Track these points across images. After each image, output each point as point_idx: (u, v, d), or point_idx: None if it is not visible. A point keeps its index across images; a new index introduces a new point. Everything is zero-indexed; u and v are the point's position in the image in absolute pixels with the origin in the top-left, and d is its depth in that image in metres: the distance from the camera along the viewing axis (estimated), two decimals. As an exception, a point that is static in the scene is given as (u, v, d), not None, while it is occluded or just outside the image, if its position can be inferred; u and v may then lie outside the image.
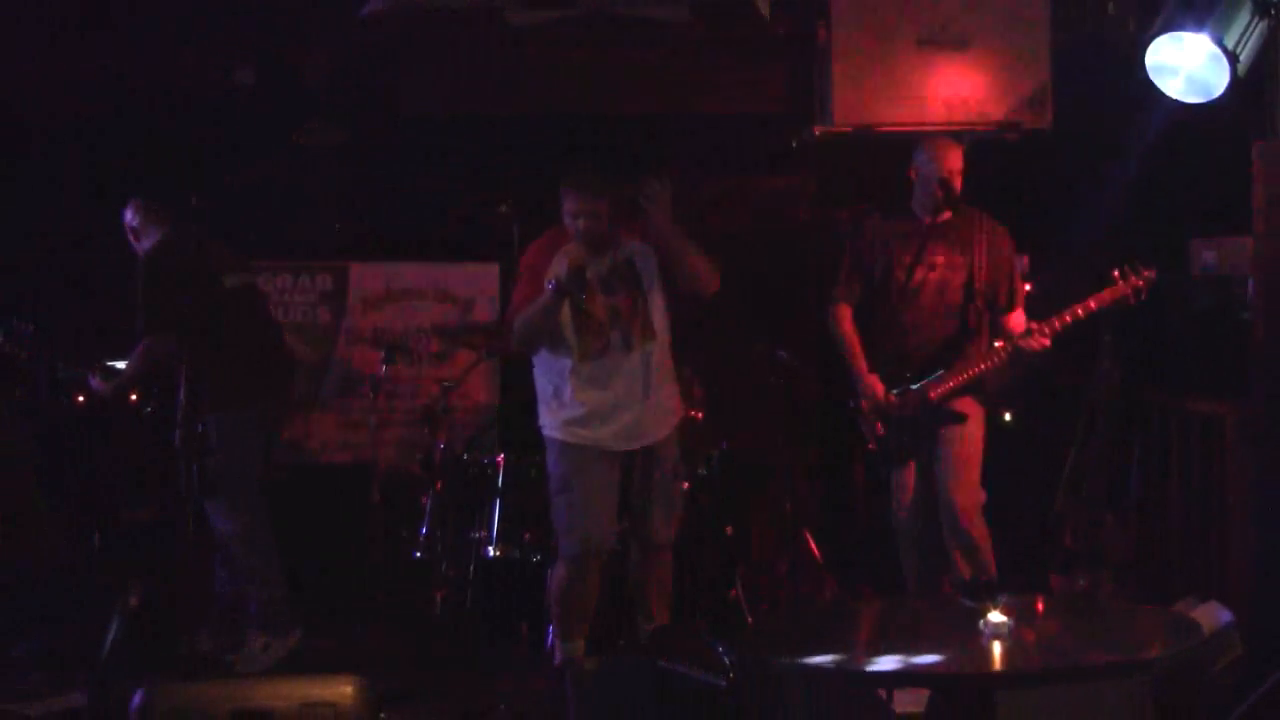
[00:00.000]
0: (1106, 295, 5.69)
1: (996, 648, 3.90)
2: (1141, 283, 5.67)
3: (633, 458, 5.55)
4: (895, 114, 6.43)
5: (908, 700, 4.58)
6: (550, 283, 5.33)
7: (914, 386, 5.86)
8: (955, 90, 6.44)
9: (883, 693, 4.70)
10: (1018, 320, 5.92)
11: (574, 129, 7.49)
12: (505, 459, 6.60)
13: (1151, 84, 5.07)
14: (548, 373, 5.57)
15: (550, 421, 5.58)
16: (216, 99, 7.39)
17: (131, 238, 6.27)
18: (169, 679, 5.64)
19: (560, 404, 5.53)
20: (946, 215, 5.86)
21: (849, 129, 6.45)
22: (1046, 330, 5.72)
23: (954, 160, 5.84)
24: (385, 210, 8.04)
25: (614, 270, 5.48)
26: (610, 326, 5.48)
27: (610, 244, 5.47)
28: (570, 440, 5.51)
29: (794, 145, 7.12)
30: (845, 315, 6.05)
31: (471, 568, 6.51)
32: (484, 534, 6.54)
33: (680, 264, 5.47)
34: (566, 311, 5.42)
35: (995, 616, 3.98)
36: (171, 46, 7.06)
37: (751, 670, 4.26)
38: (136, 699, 4.25)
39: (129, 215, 6.26)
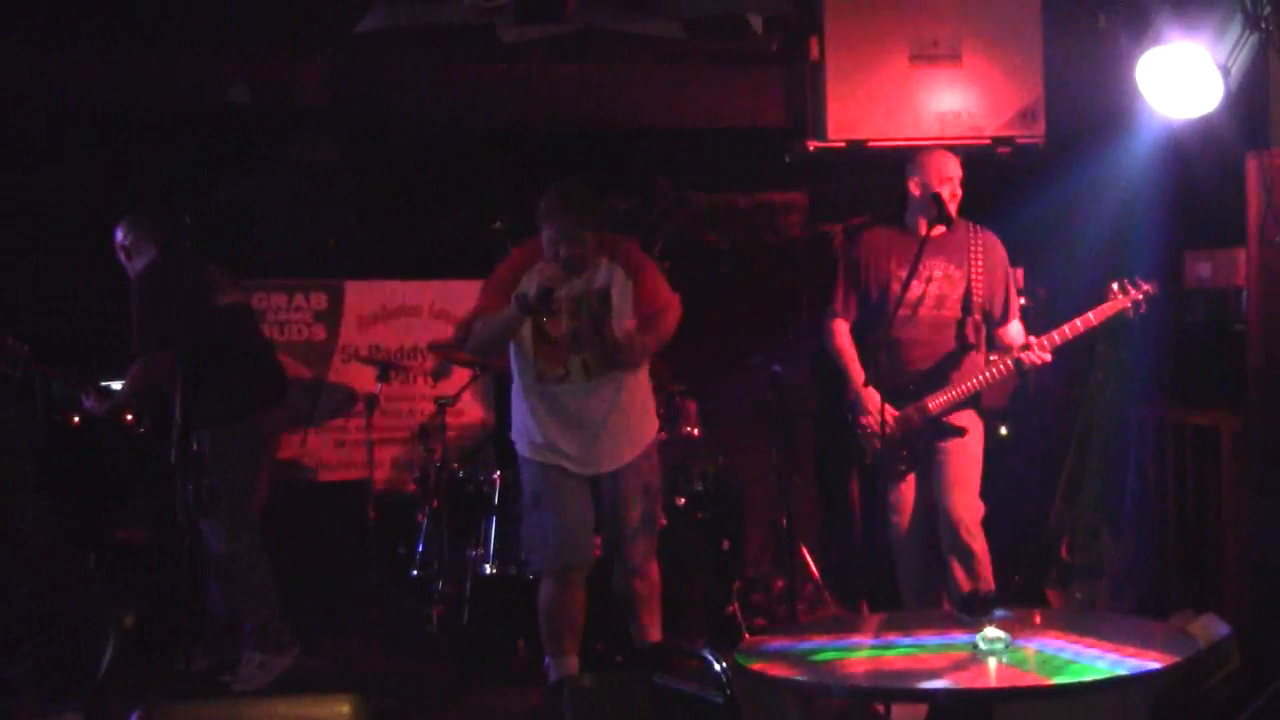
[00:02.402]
0: (1105, 309, 5.71)
1: (994, 662, 3.89)
2: (1140, 296, 5.68)
3: (601, 481, 5.54)
4: (888, 129, 6.43)
5: (905, 716, 4.58)
6: (517, 297, 5.29)
7: (912, 400, 5.86)
8: (948, 104, 6.44)
9: (880, 708, 4.70)
10: (1015, 333, 5.93)
11: (567, 145, 7.49)
12: (501, 476, 6.59)
13: (1143, 97, 5.08)
14: (520, 390, 5.57)
15: (519, 440, 5.60)
16: (211, 116, 7.39)
17: (123, 256, 6.27)
18: (165, 699, 5.64)
19: (525, 425, 5.54)
20: (942, 228, 5.86)
21: (842, 144, 6.45)
22: (1046, 344, 5.73)
23: (951, 173, 5.85)
24: (380, 227, 8.04)
25: (585, 295, 5.44)
26: (570, 351, 5.45)
27: (589, 265, 5.45)
28: (538, 460, 5.51)
29: (787, 160, 7.13)
30: (841, 329, 6.06)
31: (468, 585, 6.50)
32: (480, 551, 6.53)
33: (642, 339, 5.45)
34: (528, 328, 5.40)
35: (992, 631, 3.98)
36: (166, 64, 7.06)
37: (749, 686, 4.25)
38: (132, 719, 4.23)
39: (120, 234, 6.26)
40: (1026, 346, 5.75)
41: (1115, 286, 5.71)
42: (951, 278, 5.89)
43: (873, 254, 6.01)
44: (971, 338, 5.90)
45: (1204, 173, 6.00)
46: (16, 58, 6.91)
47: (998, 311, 5.93)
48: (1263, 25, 4.80)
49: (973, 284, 5.87)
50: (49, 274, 7.41)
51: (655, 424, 5.72)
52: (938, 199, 5.78)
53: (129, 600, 6.16)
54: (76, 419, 6.98)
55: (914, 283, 5.82)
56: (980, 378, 5.83)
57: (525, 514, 5.66)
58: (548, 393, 5.46)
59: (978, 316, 5.89)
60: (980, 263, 5.89)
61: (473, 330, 5.49)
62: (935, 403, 5.84)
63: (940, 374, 5.86)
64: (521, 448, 5.59)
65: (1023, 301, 6.21)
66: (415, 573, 6.87)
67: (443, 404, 7.10)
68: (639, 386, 5.59)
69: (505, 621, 6.31)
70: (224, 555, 6.09)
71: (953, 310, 5.89)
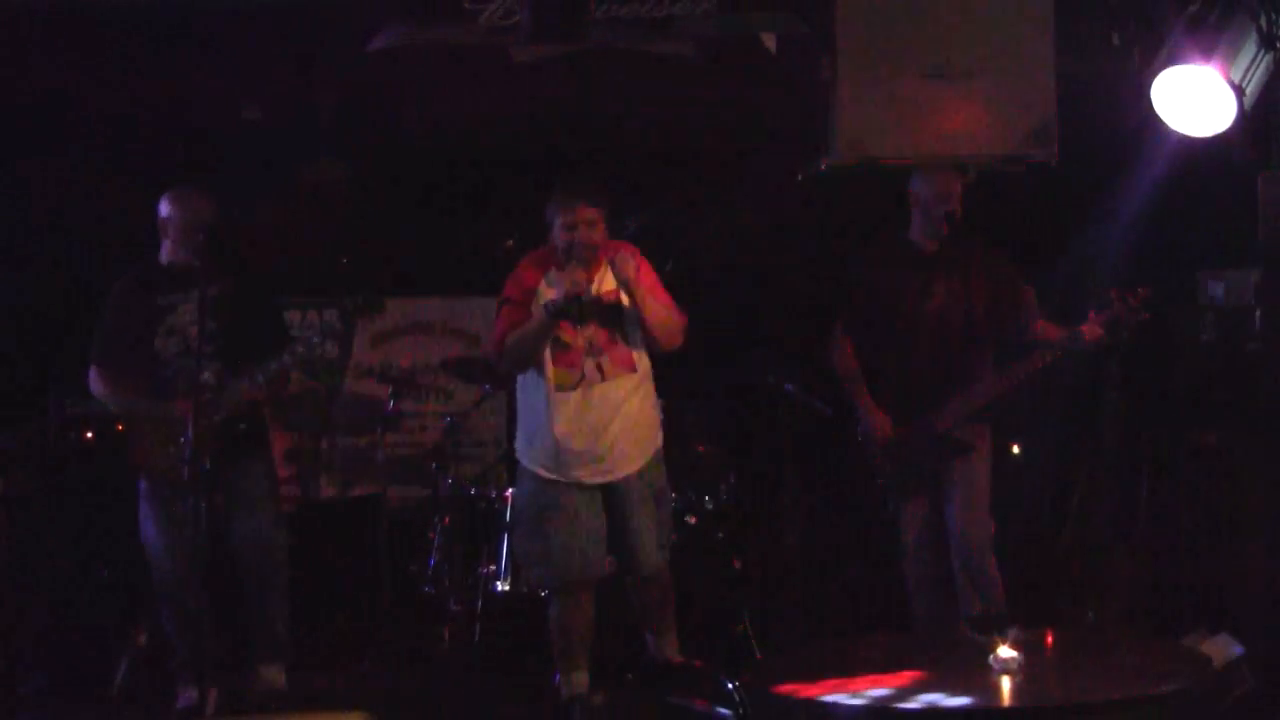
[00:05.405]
0: (1106, 315, 5.65)
1: (1006, 683, 3.89)
2: (1137, 301, 5.62)
3: (612, 489, 5.52)
4: (901, 147, 6.41)
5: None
6: (546, 305, 5.34)
7: (920, 418, 5.85)
8: (960, 123, 6.43)
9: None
10: (1047, 328, 5.86)
11: (579, 163, 7.50)
12: (513, 493, 6.58)
13: (1158, 117, 5.08)
14: (528, 402, 5.57)
15: (526, 452, 5.57)
16: (225, 134, 7.41)
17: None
18: (179, 714, 5.66)
19: (536, 436, 5.51)
20: (947, 245, 5.85)
21: (854, 162, 6.44)
22: (1101, 320, 5.65)
23: (951, 188, 5.86)
24: (392, 245, 8.05)
25: (596, 300, 5.47)
26: (585, 356, 5.47)
27: (598, 258, 5.48)
28: (544, 475, 5.49)
29: (799, 178, 7.13)
30: (848, 347, 6.05)
31: (479, 602, 6.49)
32: (492, 568, 6.53)
33: (645, 320, 5.46)
34: None
35: (1005, 651, 3.97)
36: (180, 82, 7.08)
37: (760, 706, 4.24)
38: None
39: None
40: (1076, 329, 5.68)
41: (1114, 294, 5.66)
42: (956, 293, 5.88)
43: (877, 272, 6.01)
44: (978, 353, 5.89)
45: (1217, 192, 6.00)
46: (36, 77, 6.93)
47: (1014, 324, 5.90)
48: (1277, 44, 4.81)
49: (976, 299, 5.86)
50: (56, 292, 7.43)
51: (661, 433, 5.71)
52: (948, 216, 5.79)
53: (142, 617, 6.19)
54: (89, 434, 6.98)
55: (920, 299, 5.82)
56: (987, 393, 5.82)
57: (519, 527, 5.62)
58: (566, 399, 5.46)
59: (983, 332, 5.87)
60: (983, 277, 5.88)
61: (507, 346, 5.49)
62: (943, 419, 5.83)
63: (948, 390, 5.85)
64: (526, 460, 5.57)
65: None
66: (427, 589, 6.87)
67: (454, 421, 7.10)
68: (649, 394, 5.60)
69: (517, 638, 6.31)
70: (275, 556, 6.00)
71: (958, 326, 5.88)
